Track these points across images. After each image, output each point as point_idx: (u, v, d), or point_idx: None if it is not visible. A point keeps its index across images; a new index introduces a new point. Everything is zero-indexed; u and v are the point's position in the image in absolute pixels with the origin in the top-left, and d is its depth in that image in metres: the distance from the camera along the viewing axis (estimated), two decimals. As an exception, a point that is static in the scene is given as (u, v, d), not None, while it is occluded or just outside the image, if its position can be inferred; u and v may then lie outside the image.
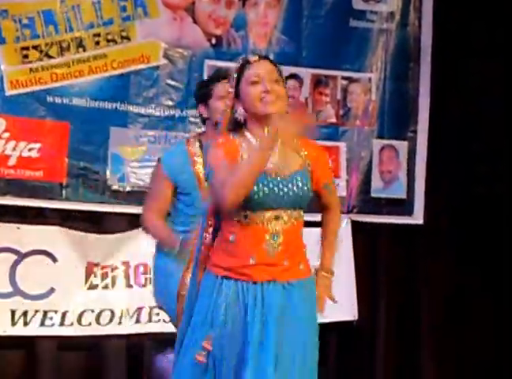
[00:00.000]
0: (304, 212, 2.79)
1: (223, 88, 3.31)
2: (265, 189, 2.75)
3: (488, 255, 5.05)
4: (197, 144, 3.50)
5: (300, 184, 2.79)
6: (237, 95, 2.83)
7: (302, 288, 2.78)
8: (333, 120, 4.88)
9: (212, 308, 2.73)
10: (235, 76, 2.84)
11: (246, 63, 2.85)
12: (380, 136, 4.92)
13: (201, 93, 3.49)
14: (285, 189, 2.77)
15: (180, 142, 3.72)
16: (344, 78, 4.89)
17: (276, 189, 2.76)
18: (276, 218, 2.76)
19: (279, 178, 2.78)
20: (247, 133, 2.81)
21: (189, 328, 2.77)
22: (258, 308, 2.70)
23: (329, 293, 2.88)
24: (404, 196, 4.94)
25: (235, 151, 2.77)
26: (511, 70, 5.03)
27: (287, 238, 2.76)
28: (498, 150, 5.05)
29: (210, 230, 2.84)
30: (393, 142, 4.94)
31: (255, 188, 2.72)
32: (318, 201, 2.90)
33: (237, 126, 2.84)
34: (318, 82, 4.85)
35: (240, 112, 2.81)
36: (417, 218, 4.93)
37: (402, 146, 4.95)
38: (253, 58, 2.85)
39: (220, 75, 3.48)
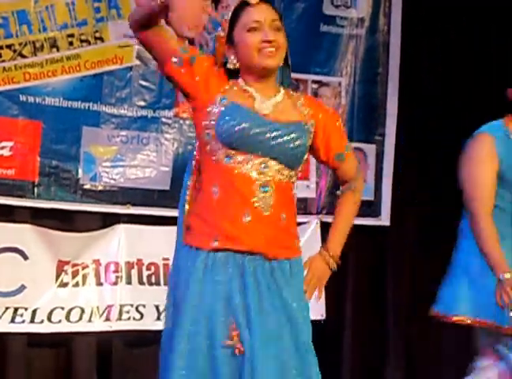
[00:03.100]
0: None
1: None
2: (255, 128, 2.45)
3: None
4: None
5: (294, 136, 2.49)
6: (230, 41, 2.52)
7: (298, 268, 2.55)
8: (304, 122, 4.92)
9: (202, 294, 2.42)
10: (230, 18, 2.53)
11: (244, 5, 2.51)
12: (349, 140, 4.95)
13: None
14: (277, 137, 2.47)
15: None
16: (314, 82, 4.94)
17: (266, 132, 2.46)
18: (265, 167, 2.47)
19: (272, 122, 2.48)
20: (241, 82, 2.52)
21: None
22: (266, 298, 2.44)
23: (322, 283, 2.63)
24: (371, 198, 5.00)
25: (221, 78, 2.50)
26: (477, 74, 5.12)
27: (278, 194, 2.48)
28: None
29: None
30: (362, 145, 5.00)
31: (243, 122, 2.44)
32: (334, 174, 2.68)
33: (230, 74, 2.53)
34: (288, 85, 4.88)
35: (232, 61, 2.52)
36: (384, 219, 5.01)
37: (370, 149, 5.02)
38: (253, 0, 2.50)
39: None
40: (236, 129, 2.46)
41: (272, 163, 2.47)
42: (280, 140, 2.49)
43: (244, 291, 2.44)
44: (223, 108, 2.51)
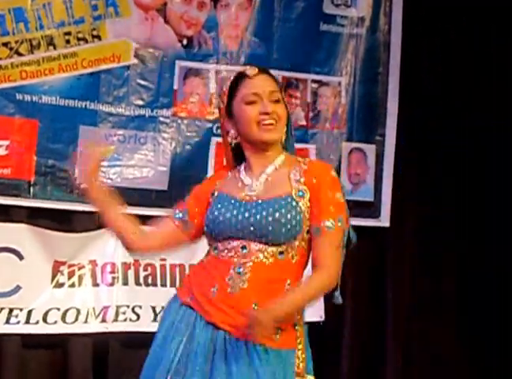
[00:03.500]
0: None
1: None
2: (230, 213, 2.41)
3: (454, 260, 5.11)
4: None
5: (272, 210, 2.36)
6: (229, 113, 2.47)
7: (274, 360, 2.31)
8: (303, 122, 4.89)
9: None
10: (228, 90, 2.47)
11: (242, 77, 2.47)
12: (349, 140, 4.94)
13: None
14: (255, 215, 2.37)
15: None
16: (314, 81, 4.90)
17: (243, 213, 2.38)
18: (243, 248, 2.38)
19: (253, 202, 2.41)
20: (242, 167, 2.51)
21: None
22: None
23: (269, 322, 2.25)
24: (371, 199, 4.96)
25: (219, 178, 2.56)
26: (478, 74, 5.09)
27: (257, 276, 2.35)
28: (465, 155, 5.10)
29: None
30: (362, 145, 4.96)
31: (221, 209, 2.41)
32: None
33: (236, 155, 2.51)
34: (288, 85, 4.86)
35: (232, 134, 2.48)
36: (384, 221, 4.97)
37: (370, 149, 4.98)
38: (251, 72, 2.46)
39: None
40: (213, 217, 2.46)
41: (252, 244, 2.37)
42: (258, 217, 2.37)
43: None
44: (212, 201, 2.54)
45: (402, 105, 5.00)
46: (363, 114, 5.00)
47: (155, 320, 4.38)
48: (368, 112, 5.02)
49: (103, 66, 4.50)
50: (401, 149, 5.00)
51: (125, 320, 4.39)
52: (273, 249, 2.37)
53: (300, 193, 2.41)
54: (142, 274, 4.45)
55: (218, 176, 2.62)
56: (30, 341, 4.32)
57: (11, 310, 4.25)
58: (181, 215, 2.61)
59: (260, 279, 2.36)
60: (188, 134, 4.63)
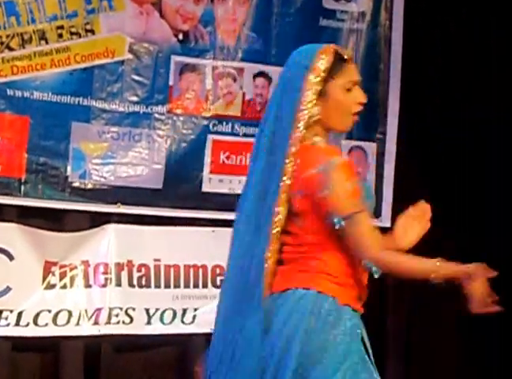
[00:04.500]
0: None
1: None
2: None
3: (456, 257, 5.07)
4: None
5: None
6: (322, 92, 2.49)
7: None
8: (302, 120, 4.83)
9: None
10: (323, 68, 2.48)
11: (342, 60, 2.51)
12: (348, 137, 4.87)
13: None
14: None
15: None
16: (313, 78, 4.86)
17: None
18: None
19: None
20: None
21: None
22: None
23: None
24: (372, 198, 4.92)
25: None
26: (477, 67, 5.04)
27: None
28: (466, 152, 5.05)
29: None
30: (362, 143, 4.90)
31: None
32: None
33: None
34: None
35: (315, 111, 2.49)
36: (385, 221, 4.89)
37: (371, 147, 4.91)
38: (348, 55, 2.53)
39: None
40: None
41: None
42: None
43: None
44: None
45: (403, 102, 4.95)
46: (364, 112, 4.90)
47: (149, 322, 4.34)
48: (369, 110, 4.83)
49: (97, 61, 4.43)
50: (402, 147, 4.96)
51: (118, 322, 4.32)
52: None
53: None
54: (136, 275, 4.39)
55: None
56: (20, 344, 4.26)
57: (0, 312, 4.18)
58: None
59: None
60: (184, 131, 4.56)
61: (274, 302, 2.49)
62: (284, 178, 2.49)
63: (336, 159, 2.47)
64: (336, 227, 2.45)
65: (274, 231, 2.50)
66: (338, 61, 2.50)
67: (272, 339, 2.44)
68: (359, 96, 2.52)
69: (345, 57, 2.50)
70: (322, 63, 2.48)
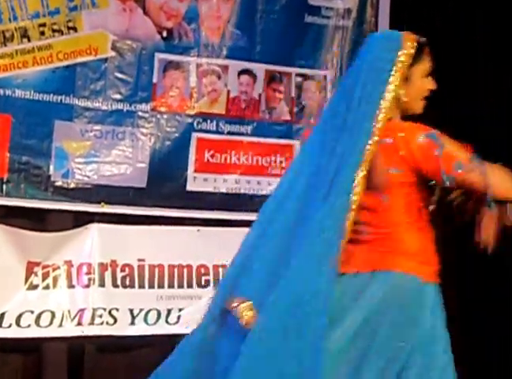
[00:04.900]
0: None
1: None
2: None
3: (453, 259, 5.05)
4: None
5: None
6: (405, 77, 2.68)
7: None
8: (287, 117, 4.80)
9: None
10: (411, 53, 2.67)
11: (425, 45, 2.75)
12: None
13: None
14: None
15: None
16: (298, 75, 4.81)
17: None
18: None
19: None
20: None
21: None
22: None
23: None
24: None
25: None
26: (467, 65, 5.04)
27: None
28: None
29: None
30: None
31: None
32: None
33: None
34: (271, 78, 4.76)
35: (403, 94, 2.67)
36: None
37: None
38: (426, 44, 2.75)
39: None
40: None
41: None
42: None
43: None
44: None
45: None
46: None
47: (132, 323, 4.31)
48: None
49: (80, 59, 4.39)
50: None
51: (101, 323, 4.28)
52: None
53: None
54: (119, 275, 4.36)
55: None
56: (2, 345, 4.23)
57: (-18, 313, 4.15)
58: None
59: None
60: (168, 129, 4.53)
61: (362, 281, 2.61)
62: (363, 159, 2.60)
63: (433, 130, 2.65)
64: (447, 183, 2.66)
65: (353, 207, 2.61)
66: (424, 47, 2.72)
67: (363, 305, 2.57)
68: (432, 83, 2.71)
69: (424, 45, 2.71)
70: (412, 49, 2.68)
